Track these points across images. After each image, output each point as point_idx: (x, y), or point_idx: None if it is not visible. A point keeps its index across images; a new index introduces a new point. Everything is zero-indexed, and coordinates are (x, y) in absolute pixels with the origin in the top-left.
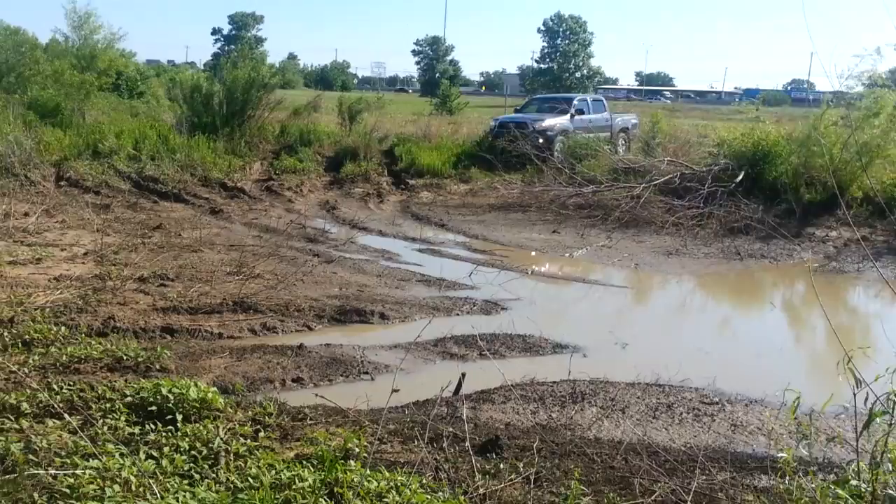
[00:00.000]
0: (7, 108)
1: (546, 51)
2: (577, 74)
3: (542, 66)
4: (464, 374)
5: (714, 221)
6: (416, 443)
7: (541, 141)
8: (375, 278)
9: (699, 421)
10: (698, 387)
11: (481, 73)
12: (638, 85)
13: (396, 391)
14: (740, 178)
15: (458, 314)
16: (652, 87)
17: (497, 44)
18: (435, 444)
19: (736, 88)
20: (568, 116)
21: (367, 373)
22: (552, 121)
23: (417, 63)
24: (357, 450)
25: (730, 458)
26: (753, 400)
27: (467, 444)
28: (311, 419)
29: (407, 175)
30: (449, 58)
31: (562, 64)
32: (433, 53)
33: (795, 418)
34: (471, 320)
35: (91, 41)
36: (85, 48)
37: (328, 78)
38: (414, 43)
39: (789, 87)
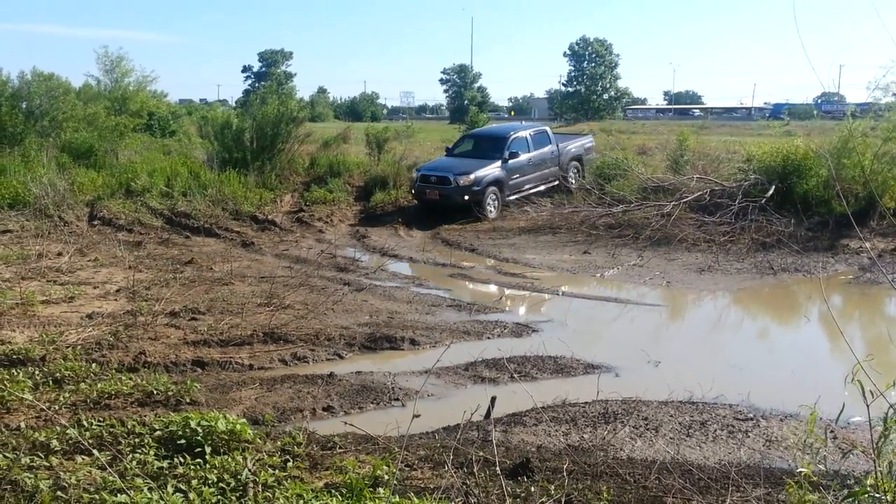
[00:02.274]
0: (41, 151)
1: (573, 74)
2: (605, 96)
3: (569, 89)
4: (494, 398)
5: (746, 237)
6: (445, 468)
7: (466, 198)
8: (406, 305)
9: (733, 437)
10: (732, 403)
11: (509, 99)
12: (666, 104)
13: (417, 416)
14: (771, 192)
15: (488, 338)
16: (680, 105)
17: (524, 69)
18: (465, 469)
19: (765, 104)
20: (500, 162)
21: (397, 399)
22: (480, 172)
23: (446, 91)
24: (386, 477)
25: (764, 474)
26: (789, 415)
27: (497, 467)
28: (340, 447)
29: None
30: (476, 85)
31: (589, 87)
32: (461, 81)
33: (819, 431)
34: (502, 343)
35: (123, 84)
36: (117, 91)
37: (357, 109)
38: (441, 72)
39: (819, 100)
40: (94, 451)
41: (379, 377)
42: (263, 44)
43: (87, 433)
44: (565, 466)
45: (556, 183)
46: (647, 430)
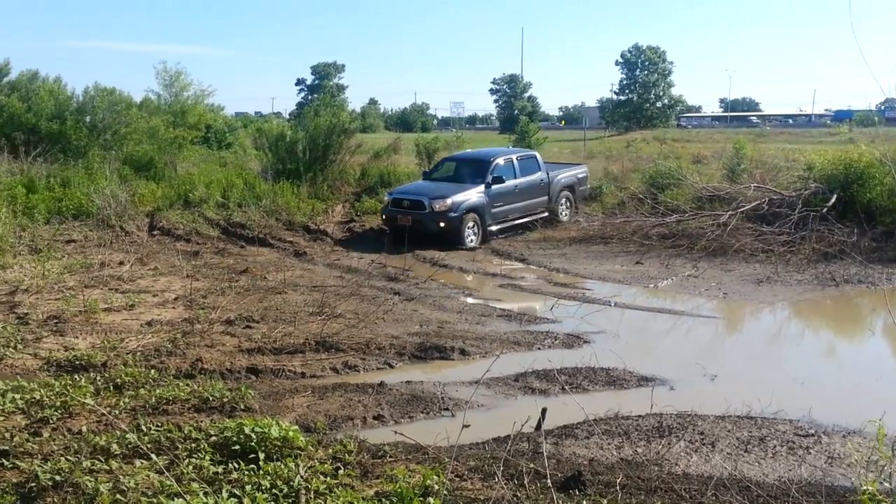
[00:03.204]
0: (104, 163)
1: (625, 82)
2: (658, 104)
3: (621, 97)
4: (545, 409)
5: (806, 247)
6: (495, 479)
7: (442, 225)
8: (456, 314)
9: (793, 454)
10: (792, 419)
11: (560, 108)
12: (722, 111)
13: (467, 426)
14: (832, 201)
15: (539, 348)
16: (737, 113)
17: (575, 78)
18: (515, 481)
19: (826, 110)
20: (481, 188)
21: (447, 409)
22: (458, 197)
23: (496, 101)
24: (436, 487)
25: (826, 492)
26: (852, 431)
27: (548, 480)
28: (391, 456)
29: None
30: (527, 94)
31: (641, 95)
32: (511, 91)
33: (885, 448)
34: (552, 354)
35: (182, 98)
36: (176, 104)
37: (408, 120)
38: (491, 82)
39: (882, 107)
40: (153, 456)
41: (429, 387)
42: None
43: (146, 438)
44: (618, 480)
45: (545, 214)
46: (704, 445)
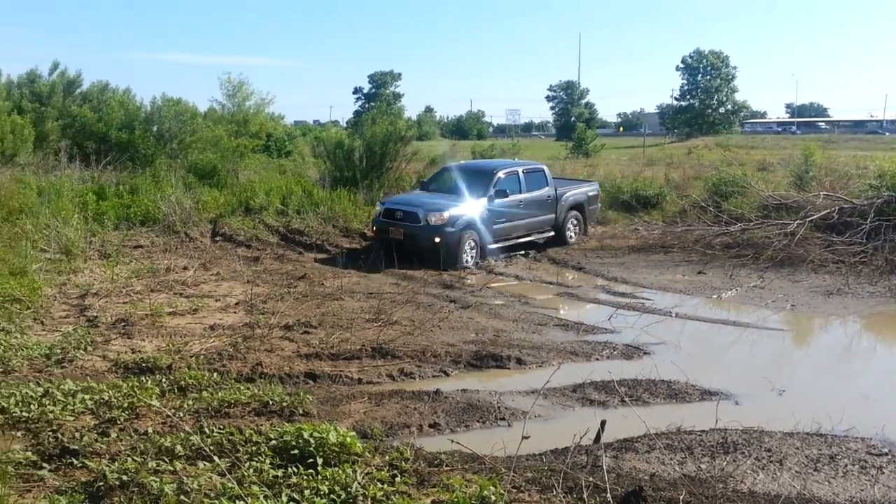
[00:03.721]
0: (170, 171)
1: (686, 88)
2: (721, 110)
3: (682, 103)
4: (604, 422)
5: (879, 258)
6: (553, 492)
7: (437, 241)
8: (512, 323)
9: (866, 473)
10: (864, 436)
11: (618, 115)
12: (788, 117)
13: (527, 438)
14: None
15: (597, 359)
16: (804, 118)
17: (634, 84)
18: (574, 494)
19: None
20: (484, 201)
21: (503, 419)
22: (456, 210)
23: (552, 108)
24: (493, 498)
25: None
26: None
27: (608, 494)
28: (447, 465)
29: None
30: (584, 101)
31: (703, 100)
32: (567, 97)
33: None
34: (611, 365)
35: (244, 107)
36: (238, 114)
37: (464, 128)
38: (548, 88)
39: None
40: (215, 458)
41: (485, 396)
42: (374, 66)
43: (209, 440)
44: (681, 497)
45: (552, 234)
46: (771, 462)
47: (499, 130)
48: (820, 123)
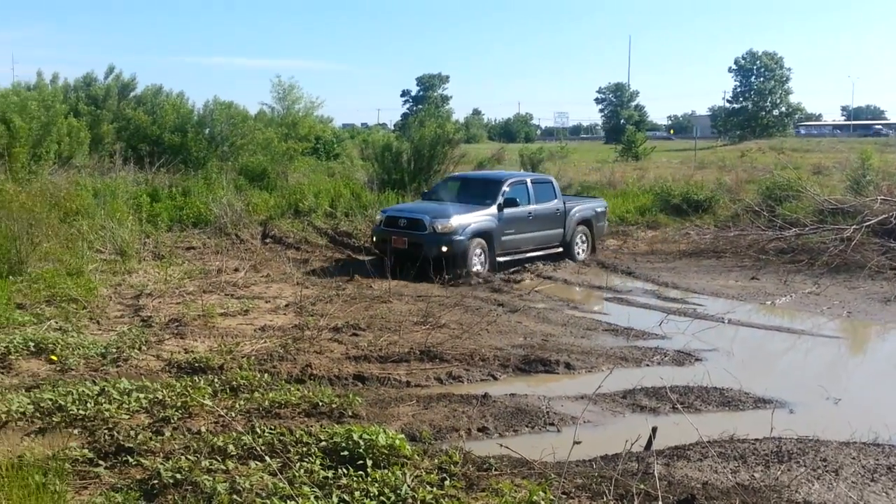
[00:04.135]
0: (221, 174)
1: (739, 90)
2: (775, 112)
3: (734, 105)
4: (655, 429)
5: None
6: (604, 498)
7: (444, 250)
8: (560, 327)
9: None
10: None
11: (668, 117)
12: (844, 120)
13: (578, 443)
14: None
15: (647, 365)
16: (860, 121)
17: (685, 86)
18: (625, 501)
19: None
20: (493, 210)
21: (552, 424)
22: (464, 218)
23: (601, 111)
24: (543, 503)
25: None
26: None
27: (660, 502)
28: (496, 469)
29: None
30: (634, 103)
31: (757, 102)
32: (617, 100)
33: None
34: (662, 372)
35: (293, 110)
36: (288, 117)
37: (511, 130)
38: (597, 91)
39: None
40: (267, 458)
41: (533, 400)
42: (421, 69)
43: (260, 440)
44: None
45: (560, 250)
46: (826, 472)
47: (547, 133)
48: (877, 126)
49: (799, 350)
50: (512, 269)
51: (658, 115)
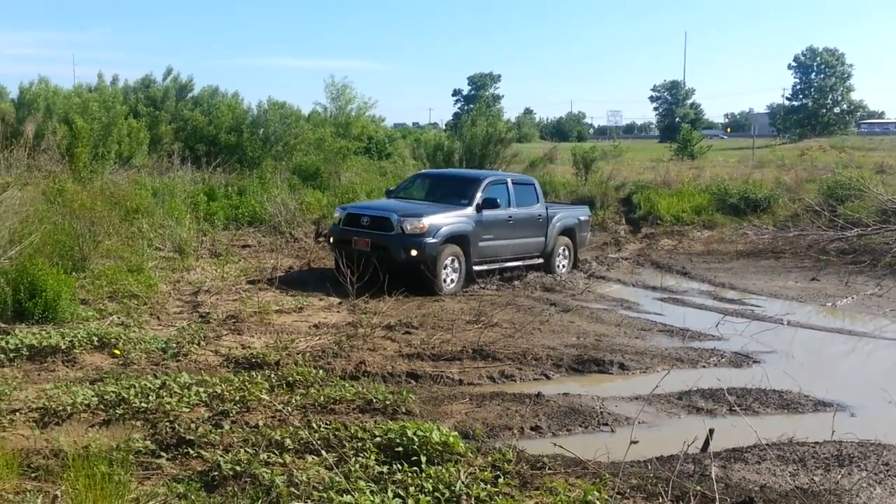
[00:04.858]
0: (275, 173)
1: (798, 87)
2: (836, 110)
3: (794, 103)
4: (712, 430)
5: None
6: (660, 499)
7: (414, 253)
8: (614, 328)
9: None
10: None
11: (726, 115)
12: None
13: (635, 443)
14: None
15: (703, 366)
16: None
17: (742, 83)
18: (681, 502)
19: None
20: (470, 211)
21: (606, 424)
22: (437, 218)
23: (655, 109)
24: (597, 502)
25: None
26: None
27: None
28: (549, 468)
29: (645, 222)
30: (689, 101)
31: (817, 100)
32: (672, 98)
33: None
34: (718, 373)
35: (346, 110)
36: (341, 116)
37: (563, 129)
38: (651, 89)
39: None
40: (323, 452)
41: (587, 400)
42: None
43: (316, 435)
44: None
45: (540, 261)
46: (889, 476)
47: (599, 132)
48: None
49: (860, 353)
50: (488, 280)
51: (714, 113)
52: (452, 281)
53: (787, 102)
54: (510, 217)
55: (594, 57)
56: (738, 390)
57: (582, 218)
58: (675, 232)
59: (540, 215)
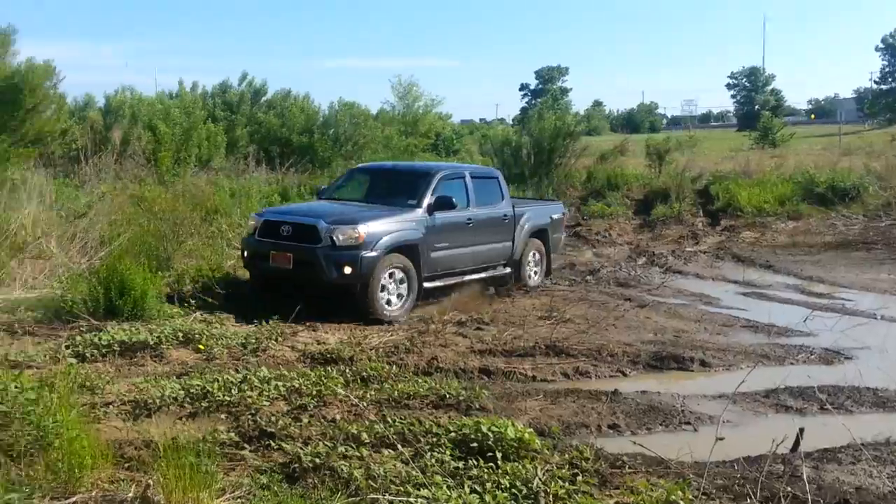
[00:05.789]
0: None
1: (887, 70)
2: None
3: (882, 87)
4: (802, 430)
5: None
6: (748, 501)
7: (347, 271)
8: (694, 323)
9: None
10: None
11: (809, 101)
12: None
13: (721, 439)
14: None
15: (791, 363)
16: None
17: (827, 68)
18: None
19: None
20: (419, 213)
21: (688, 423)
22: (377, 225)
23: (733, 97)
24: (681, 503)
25: None
26: None
27: None
28: (629, 467)
29: (724, 215)
30: (769, 87)
31: None
32: (751, 85)
33: None
34: (807, 370)
35: (413, 108)
36: (408, 114)
37: (635, 121)
38: (728, 76)
39: None
40: (399, 447)
41: (667, 398)
42: (540, 62)
43: (392, 429)
44: None
45: (507, 271)
46: None
47: (673, 123)
48: None
49: None
50: (441, 298)
51: (797, 99)
52: (398, 303)
53: (875, 86)
54: (469, 219)
55: (666, 45)
56: (829, 388)
57: (555, 216)
58: (756, 224)
59: (505, 216)
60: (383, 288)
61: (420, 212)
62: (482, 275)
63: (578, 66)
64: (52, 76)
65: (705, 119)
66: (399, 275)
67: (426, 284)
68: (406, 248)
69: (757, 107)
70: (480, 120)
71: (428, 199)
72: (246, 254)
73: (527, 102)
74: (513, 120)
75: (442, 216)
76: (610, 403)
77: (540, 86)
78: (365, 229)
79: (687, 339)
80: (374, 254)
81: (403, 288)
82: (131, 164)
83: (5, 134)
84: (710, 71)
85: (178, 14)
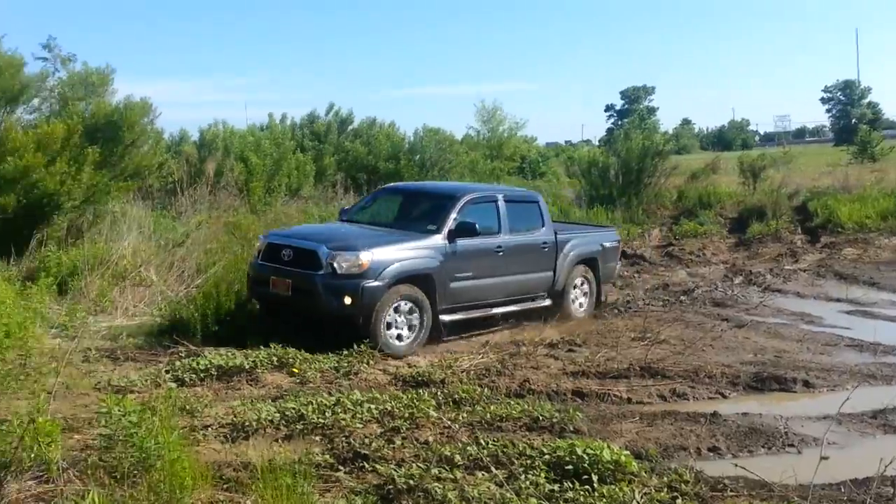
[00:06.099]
0: None
1: None
2: None
3: None
4: None
5: None
6: None
7: (348, 301)
8: (795, 343)
9: None
10: None
11: None
12: None
13: (825, 458)
14: None
15: None
16: None
17: None
18: None
19: None
20: (437, 240)
21: (791, 445)
22: (384, 251)
23: (828, 111)
24: None
25: None
26: None
27: None
28: (731, 490)
29: (824, 231)
30: (866, 100)
31: None
32: (846, 98)
33: None
34: None
35: (498, 132)
36: (493, 138)
37: (726, 138)
38: (822, 90)
39: None
40: (493, 469)
41: (768, 420)
42: (625, 82)
43: (485, 451)
44: None
45: (548, 302)
46: None
47: (766, 139)
48: None
49: None
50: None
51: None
52: (407, 337)
53: None
54: (500, 247)
55: (755, 61)
56: None
57: (607, 244)
58: (858, 240)
59: (545, 243)
60: (389, 321)
61: (439, 238)
62: (515, 307)
63: (665, 85)
64: (149, 112)
65: (800, 134)
66: (407, 306)
67: (445, 318)
68: (418, 278)
69: (854, 120)
70: (566, 142)
71: (449, 225)
72: (250, 276)
73: (613, 123)
74: (599, 141)
75: (464, 243)
76: (709, 426)
77: (626, 106)
78: (369, 257)
79: (788, 359)
80: (378, 283)
81: (415, 320)
82: (225, 194)
83: (106, 169)
84: (803, 85)
85: (265, 51)
